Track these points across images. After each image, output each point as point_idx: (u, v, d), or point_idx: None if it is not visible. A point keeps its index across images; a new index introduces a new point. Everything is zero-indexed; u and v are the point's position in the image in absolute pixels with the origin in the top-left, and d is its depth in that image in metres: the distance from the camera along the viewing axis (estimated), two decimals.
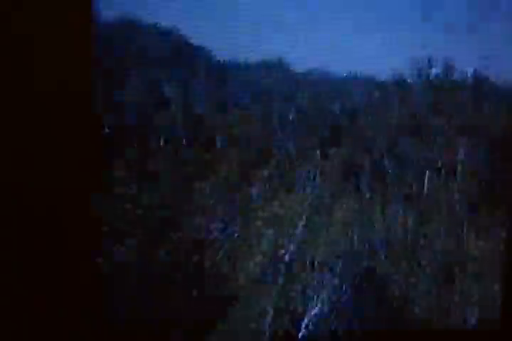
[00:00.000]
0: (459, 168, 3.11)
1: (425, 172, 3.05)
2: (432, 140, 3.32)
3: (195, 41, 3.07)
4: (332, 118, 3.08)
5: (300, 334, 2.40)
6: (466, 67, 3.54)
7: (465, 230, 2.84)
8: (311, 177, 2.87)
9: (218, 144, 2.79)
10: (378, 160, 3.01)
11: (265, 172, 2.70)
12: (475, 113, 3.33)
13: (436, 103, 3.43)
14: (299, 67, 3.07)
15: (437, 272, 2.64)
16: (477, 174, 3.14)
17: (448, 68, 3.54)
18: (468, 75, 3.52)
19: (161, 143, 2.65)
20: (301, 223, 2.72)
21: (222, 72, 2.91)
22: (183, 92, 2.71)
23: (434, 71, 3.54)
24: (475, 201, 3.01)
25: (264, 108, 2.96)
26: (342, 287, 2.52)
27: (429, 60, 3.41)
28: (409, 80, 3.40)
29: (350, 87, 3.23)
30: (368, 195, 2.86)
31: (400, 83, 3.38)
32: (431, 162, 3.14)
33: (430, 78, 3.49)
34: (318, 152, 2.95)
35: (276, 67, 3.04)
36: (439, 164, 3.11)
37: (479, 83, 3.38)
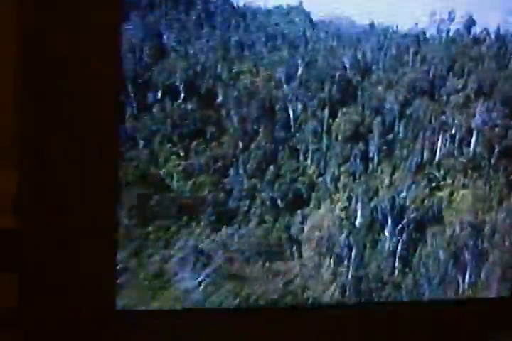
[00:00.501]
0: (474, 134, 2.92)
1: (438, 138, 2.86)
2: (447, 102, 3.12)
3: None
4: (343, 73, 2.84)
5: None
6: (489, 21, 3.28)
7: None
8: (317, 138, 2.68)
9: (220, 98, 2.56)
10: (389, 122, 2.82)
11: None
12: (496, 72, 3.10)
13: (455, 60, 3.19)
14: (318, 13, 2.77)
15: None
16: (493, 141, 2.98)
17: (469, 23, 3.28)
18: (491, 31, 3.25)
19: (159, 97, 2.41)
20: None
21: (234, 16, 2.63)
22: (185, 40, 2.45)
23: (454, 26, 3.27)
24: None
25: (271, 58, 2.72)
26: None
27: (449, 14, 3.12)
28: (427, 35, 3.13)
29: (366, 38, 2.96)
30: (376, 160, 2.68)
31: (417, 38, 3.13)
32: (445, 127, 2.95)
33: (450, 33, 3.23)
34: (326, 110, 2.73)
35: (295, 12, 2.77)
36: (454, 130, 2.92)
37: (502, 39, 3.14)
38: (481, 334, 1.97)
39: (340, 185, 2.57)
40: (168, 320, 1.89)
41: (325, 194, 2.54)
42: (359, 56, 2.97)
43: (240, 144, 2.59)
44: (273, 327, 1.90)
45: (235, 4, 2.60)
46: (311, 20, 2.79)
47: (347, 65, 2.91)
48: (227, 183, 2.52)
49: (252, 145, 2.57)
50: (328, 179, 2.59)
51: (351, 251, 2.46)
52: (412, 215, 2.55)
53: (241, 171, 2.55)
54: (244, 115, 2.62)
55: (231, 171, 2.54)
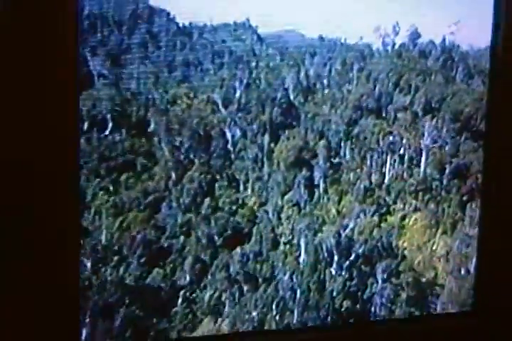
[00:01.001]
0: (424, 154, 2.78)
1: (387, 160, 2.71)
2: (394, 120, 2.98)
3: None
4: (285, 94, 2.67)
5: None
6: (434, 34, 3.17)
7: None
8: (258, 166, 2.49)
9: (151, 126, 2.35)
10: (335, 145, 2.65)
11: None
12: (444, 85, 2.97)
13: (401, 75, 3.06)
14: (266, 27, 2.57)
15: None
16: (444, 161, 2.84)
17: (414, 35, 3.16)
18: (437, 43, 3.14)
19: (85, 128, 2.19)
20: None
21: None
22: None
23: (398, 39, 3.14)
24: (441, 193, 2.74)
25: (210, 79, 2.53)
26: None
27: (394, 27, 2.99)
28: (373, 48, 3.00)
29: (314, 52, 2.80)
30: (321, 187, 2.51)
31: (362, 53, 2.99)
32: (393, 147, 2.81)
33: (395, 47, 3.10)
34: (266, 135, 2.55)
35: (241, 29, 2.58)
36: (402, 150, 2.77)
37: (448, 51, 3.02)
38: None
39: (283, 216, 2.38)
40: None
41: (267, 227, 2.35)
42: (302, 74, 2.80)
43: (173, 175, 2.39)
44: None
45: (180, 24, 2.47)
46: (258, 36, 2.64)
47: (290, 85, 2.74)
48: (160, 219, 2.30)
49: (186, 176, 2.36)
50: (270, 210, 2.40)
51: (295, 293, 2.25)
52: (361, 250, 2.36)
53: (174, 205, 2.34)
54: (178, 143, 2.42)
55: (163, 206, 2.32)
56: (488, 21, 2.21)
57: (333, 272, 2.35)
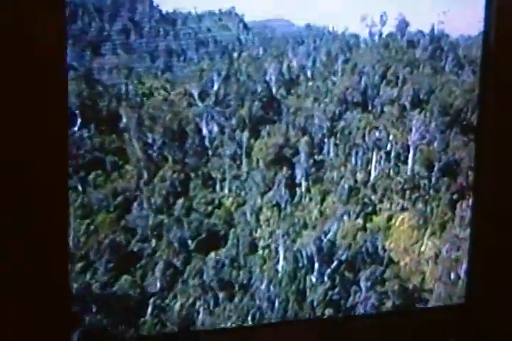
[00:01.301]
0: (412, 150, 2.64)
1: (373, 157, 2.57)
2: (381, 114, 2.84)
3: None
4: (266, 87, 2.52)
5: None
6: (423, 23, 3.03)
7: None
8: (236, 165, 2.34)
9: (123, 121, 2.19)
10: (318, 141, 2.51)
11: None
12: (433, 77, 2.83)
13: (389, 67, 2.91)
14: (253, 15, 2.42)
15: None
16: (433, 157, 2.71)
17: (403, 25, 3.02)
18: (425, 32, 2.99)
19: None
20: None
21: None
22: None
23: (386, 28, 3.00)
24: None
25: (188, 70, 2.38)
26: None
27: (381, 17, 2.84)
28: (360, 39, 2.85)
29: (297, 44, 2.64)
30: (303, 186, 2.36)
31: (348, 43, 2.84)
32: (380, 143, 2.67)
33: (382, 37, 2.95)
34: (246, 131, 2.40)
35: (226, 18, 2.43)
36: (389, 146, 2.63)
37: (437, 40, 2.88)
38: None
39: (261, 219, 2.23)
40: None
41: (244, 230, 2.20)
42: (285, 65, 2.65)
43: (145, 174, 2.23)
44: None
45: (163, 11, 2.35)
46: (245, 25, 2.55)
47: (272, 77, 2.59)
48: (130, 221, 2.14)
49: (158, 175, 2.21)
50: (248, 212, 2.25)
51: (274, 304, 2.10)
52: (344, 256, 2.22)
53: (146, 206, 2.18)
54: (150, 140, 2.26)
55: (134, 206, 2.17)
56: (479, 9, 2.03)
57: (314, 280, 2.20)
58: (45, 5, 1.26)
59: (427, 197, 2.54)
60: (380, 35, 2.83)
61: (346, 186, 2.39)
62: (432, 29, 2.85)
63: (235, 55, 2.50)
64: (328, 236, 2.21)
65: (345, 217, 2.30)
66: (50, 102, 1.29)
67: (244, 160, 2.35)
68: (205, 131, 2.37)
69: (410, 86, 2.76)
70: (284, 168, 2.37)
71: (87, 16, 2.26)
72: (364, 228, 2.35)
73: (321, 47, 2.66)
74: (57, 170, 1.31)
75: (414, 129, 2.66)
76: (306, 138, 2.44)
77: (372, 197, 2.49)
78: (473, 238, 2.06)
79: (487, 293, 1.95)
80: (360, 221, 2.35)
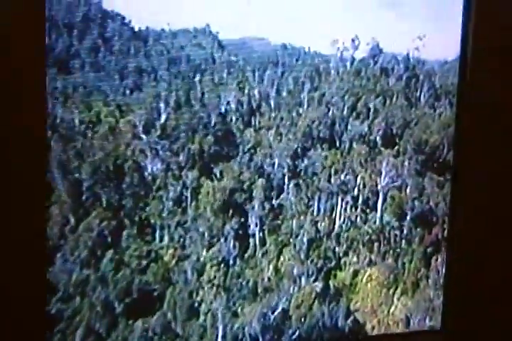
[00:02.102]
0: (381, 195, 2.37)
1: (337, 202, 2.28)
2: (349, 152, 2.57)
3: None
4: (221, 119, 2.22)
5: None
6: (397, 49, 2.80)
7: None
8: (180, 209, 2.02)
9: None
10: (277, 184, 2.21)
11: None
12: (407, 109, 2.59)
13: (359, 97, 2.65)
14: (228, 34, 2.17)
15: None
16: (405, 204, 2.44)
17: (375, 51, 2.78)
18: (399, 59, 2.76)
19: None
20: None
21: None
22: None
23: (358, 54, 2.76)
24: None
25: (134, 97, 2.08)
26: None
27: (352, 41, 2.60)
28: (330, 65, 2.59)
29: (266, 67, 2.37)
30: (257, 238, 2.06)
31: (318, 70, 2.58)
32: (346, 186, 2.39)
33: (354, 63, 2.70)
34: (195, 170, 2.09)
35: (202, 35, 2.15)
36: (356, 190, 2.35)
37: (412, 68, 2.65)
38: None
39: (204, 278, 1.92)
40: None
41: (182, 292, 1.88)
42: (246, 92, 2.37)
43: (72, 219, 1.90)
44: None
45: (136, 28, 2.16)
46: (219, 43, 2.30)
47: (231, 105, 2.30)
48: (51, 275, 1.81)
49: (85, 222, 1.88)
50: (189, 268, 1.93)
51: None
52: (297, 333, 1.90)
53: (70, 258, 1.85)
54: (77, 178, 1.94)
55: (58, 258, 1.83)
56: (455, 35, 2.07)
57: None
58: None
59: (397, 250, 2.27)
60: (352, 61, 2.59)
61: (305, 239, 2.10)
62: (407, 55, 2.65)
63: (197, 78, 2.21)
64: (278, 310, 1.89)
65: (303, 279, 2.00)
66: None
67: (190, 206, 2.03)
68: (146, 169, 2.06)
69: (382, 120, 2.52)
70: (235, 217, 2.06)
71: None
72: (324, 293, 2.04)
73: (290, 72, 2.43)
74: None
75: (384, 171, 2.40)
76: (261, 181, 2.14)
77: (337, 250, 2.20)
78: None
79: None
80: (317, 284, 2.04)
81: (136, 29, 2.11)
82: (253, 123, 2.35)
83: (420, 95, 2.60)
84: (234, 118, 2.31)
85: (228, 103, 2.30)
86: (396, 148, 2.46)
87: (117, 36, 2.09)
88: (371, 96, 2.54)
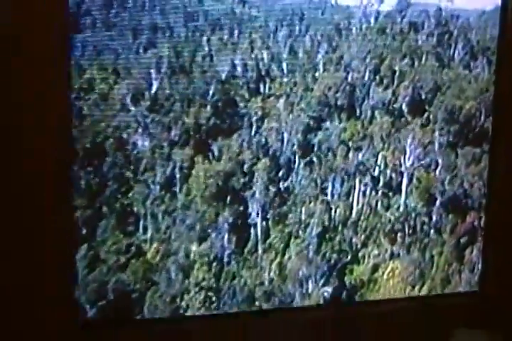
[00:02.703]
0: (406, 176, 2.06)
1: (355, 184, 1.97)
2: (370, 124, 2.24)
3: None
4: (220, 86, 1.91)
5: None
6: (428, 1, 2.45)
7: None
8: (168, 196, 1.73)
9: None
10: (284, 163, 1.90)
11: None
12: (438, 71, 2.28)
13: (383, 58, 2.32)
14: None
15: None
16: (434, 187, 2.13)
17: (403, 4, 2.45)
18: (431, 13, 2.39)
19: None
20: None
21: None
22: None
23: (384, 7, 2.42)
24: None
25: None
26: None
27: None
28: (352, 21, 2.27)
29: (272, 33, 2.05)
30: (259, 229, 1.76)
31: (337, 27, 2.25)
32: (365, 166, 2.07)
33: (378, 19, 2.37)
34: (187, 148, 1.79)
35: None
36: (377, 170, 2.04)
37: (444, 23, 2.31)
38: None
39: (192, 281, 1.63)
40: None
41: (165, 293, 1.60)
42: (255, 53, 2.07)
43: None
44: None
45: None
46: None
47: (238, 69, 2.02)
48: None
49: None
50: (172, 267, 1.64)
51: None
52: None
53: None
54: None
55: None
56: None
57: None
58: None
59: (425, 241, 1.99)
60: (377, 16, 2.29)
61: (316, 230, 1.80)
62: (439, 9, 2.35)
63: (204, 38, 1.93)
64: None
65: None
66: None
67: (179, 192, 1.73)
68: (130, 147, 1.77)
69: (409, 83, 2.22)
70: (235, 204, 1.76)
71: None
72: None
73: (307, 30, 2.11)
74: None
75: (409, 150, 2.09)
76: (265, 160, 1.83)
77: (354, 240, 1.90)
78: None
79: None
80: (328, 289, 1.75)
81: None
82: (261, 90, 2.04)
83: (453, 55, 2.30)
84: (238, 85, 1.99)
85: (235, 66, 1.98)
86: (425, 116, 2.18)
87: None
88: (397, 57, 2.24)
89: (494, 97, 1.94)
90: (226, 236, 1.74)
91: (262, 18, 2.01)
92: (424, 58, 2.27)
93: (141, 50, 1.86)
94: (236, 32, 1.98)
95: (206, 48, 1.90)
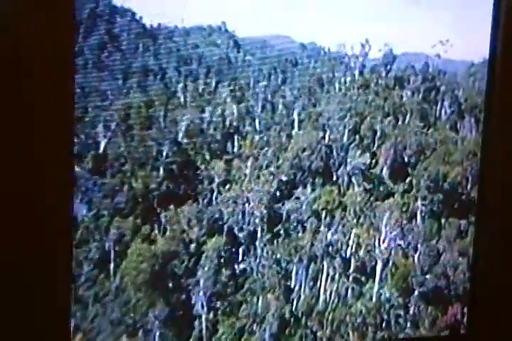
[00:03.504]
0: (380, 262, 1.82)
1: (322, 267, 1.73)
2: (344, 194, 2.03)
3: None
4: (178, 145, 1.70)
5: None
6: (413, 55, 2.36)
7: None
8: None
9: None
10: (244, 240, 1.66)
11: None
12: (421, 133, 2.11)
13: (364, 117, 2.14)
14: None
15: None
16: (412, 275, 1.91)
17: (389, 57, 2.32)
18: (417, 68, 2.34)
19: None
20: None
21: None
22: None
23: (367, 62, 2.31)
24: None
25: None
26: None
27: (362, 46, 2.19)
28: (335, 75, 2.13)
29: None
30: (204, 322, 1.49)
31: (318, 80, 2.08)
32: (335, 246, 1.84)
33: (363, 72, 2.24)
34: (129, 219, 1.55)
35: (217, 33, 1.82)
36: (347, 252, 1.81)
37: (431, 79, 2.26)
38: None
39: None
40: None
41: None
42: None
43: None
44: None
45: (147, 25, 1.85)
46: (235, 42, 1.96)
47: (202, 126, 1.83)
48: None
49: None
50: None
51: None
52: None
53: None
54: None
55: None
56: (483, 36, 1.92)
57: None
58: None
59: (400, 336, 1.75)
60: (361, 70, 2.20)
61: (275, 320, 1.53)
62: (426, 64, 2.30)
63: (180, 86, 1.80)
64: None
65: None
66: None
67: (117, 271, 1.46)
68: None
69: (390, 145, 2.07)
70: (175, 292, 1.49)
71: None
72: None
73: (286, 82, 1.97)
74: None
75: (386, 226, 1.87)
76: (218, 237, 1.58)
77: (318, 335, 1.64)
78: None
79: None
80: None
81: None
82: (228, 149, 1.83)
83: (440, 112, 2.18)
84: (198, 144, 1.77)
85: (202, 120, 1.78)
86: (407, 181, 2.03)
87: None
88: (378, 114, 2.11)
89: (481, 162, 1.83)
90: (158, 333, 1.44)
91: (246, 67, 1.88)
92: (408, 117, 2.14)
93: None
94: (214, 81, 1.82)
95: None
